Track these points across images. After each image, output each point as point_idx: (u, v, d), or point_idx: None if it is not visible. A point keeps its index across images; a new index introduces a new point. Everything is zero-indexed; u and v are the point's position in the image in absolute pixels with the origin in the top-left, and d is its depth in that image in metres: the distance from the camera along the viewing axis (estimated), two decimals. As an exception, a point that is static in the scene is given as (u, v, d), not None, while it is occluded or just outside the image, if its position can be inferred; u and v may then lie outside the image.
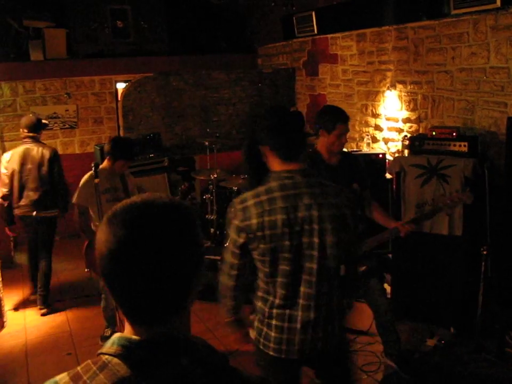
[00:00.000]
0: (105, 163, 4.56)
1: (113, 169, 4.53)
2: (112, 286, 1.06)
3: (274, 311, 2.40)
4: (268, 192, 2.35)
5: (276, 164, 2.42)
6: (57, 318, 5.15)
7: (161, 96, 7.12)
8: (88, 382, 1.01)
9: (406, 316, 4.72)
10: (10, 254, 6.58)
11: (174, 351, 1.04)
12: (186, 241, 1.07)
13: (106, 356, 1.04)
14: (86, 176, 4.46)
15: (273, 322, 2.40)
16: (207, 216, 6.22)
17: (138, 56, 7.91)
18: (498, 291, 4.29)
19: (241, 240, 2.35)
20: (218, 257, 5.60)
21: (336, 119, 3.67)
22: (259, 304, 2.47)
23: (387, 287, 4.81)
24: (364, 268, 3.83)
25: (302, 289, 2.36)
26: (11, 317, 5.20)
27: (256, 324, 2.49)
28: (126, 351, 1.03)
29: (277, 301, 2.38)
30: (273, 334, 2.40)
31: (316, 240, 2.32)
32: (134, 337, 1.05)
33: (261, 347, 2.45)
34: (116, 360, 1.02)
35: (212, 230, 6.11)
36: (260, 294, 2.47)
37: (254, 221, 2.29)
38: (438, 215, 4.33)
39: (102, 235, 1.06)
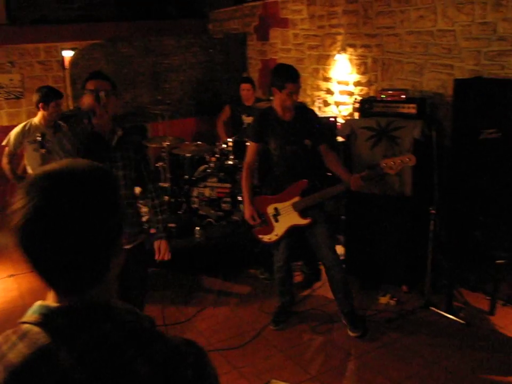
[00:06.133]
0: (37, 117, 4.75)
1: (45, 119, 4.71)
2: (28, 255, 1.02)
3: None
4: None
5: None
6: (9, 294, 5.04)
7: (110, 64, 6.93)
8: (6, 352, 1.00)
9: (359, 276, 4.84)
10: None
11: (95, 317, 1.03)
12: (105, 210, 1.05)
13: (27, 325, 1.03)
14: (18, 128, 4.73)
15: None
16: (160, 184, 6.16)
17: (85, 23, 7.64)
18: (446, 248, 4.44)
19: None
20: (173, 225, 5.59)
21: (285, 78, 3.82)
22: None
23: (341, 248, 4.91)
24: (308, 220, 3.92)
25: None
26: (-39, 293, 5.07)
27: None
28: (46, 319, 1.02)
29: None
30: None
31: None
32: (54, 304, 1.04)
33: None
34: (36, 328, 1.01)
35: (167, 197, 6.06)
36: None
37: None
38: (388, 177, 4.43)
39: (18, 204, 1.01)
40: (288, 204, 3.97)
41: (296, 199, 3.95)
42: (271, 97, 6.28)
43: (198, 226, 5.55)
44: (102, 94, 3.06)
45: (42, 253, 1.01)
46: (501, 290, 4.33)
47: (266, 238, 4.11)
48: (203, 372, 1.09)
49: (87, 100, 3.09)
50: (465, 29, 4.48)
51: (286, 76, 3.82)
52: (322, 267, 5.04)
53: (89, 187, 1.04)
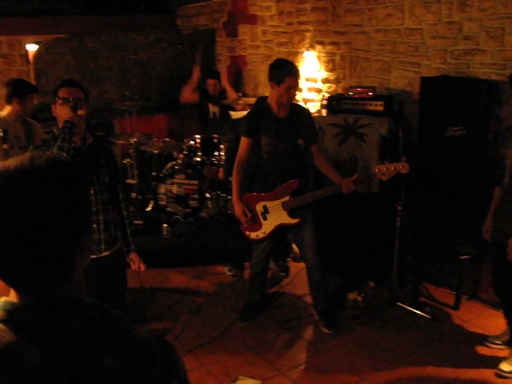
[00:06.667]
0: (5, 111, 4.37)
1: (17, 114, 4.36)
2: None
3: None
4: None
5: None
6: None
7: (76, 58, 6.79)
8: None
9: (327, 272, 4.85)
10: None
11: (61, 313, 1.01)
12: (67, 207, 1.02)
13: None
14: None
15: None
16: (127, 181, 6.09)
17: (49, 16, 7.47)
18: (413, 244, 4.49)
19: None
20: (140, 222, 5.53)
21: (285, 72, 3.76)
22: None
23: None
24: (297, 220, 3.92)
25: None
26: None
27: None
28: (11, 316, 0.99)
29: None
30: None
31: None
32: (19, 301, 1.01)
33: None
34: (0, 325, 0.98)
35: (134, 194, 5.99)
36: None
37: None
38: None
39: None
40: (277, 202, 3.93)
41: (286, 198, 3.91)
42: (240, 94, 6.29)
43: (165, 223, 5.50)
44: (79, 108, 3.00)
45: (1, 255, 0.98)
46: (465, 285, 4.40)
47: (253, 235, 4.07)
48: (172, 368, 1.08)
49: (63, 110, 3.00)
50: (432, 27, 4.54)
51: (286, 70, 3.76)
52: (290, 263, 5.08)
53: (45, 186, 1.00)
